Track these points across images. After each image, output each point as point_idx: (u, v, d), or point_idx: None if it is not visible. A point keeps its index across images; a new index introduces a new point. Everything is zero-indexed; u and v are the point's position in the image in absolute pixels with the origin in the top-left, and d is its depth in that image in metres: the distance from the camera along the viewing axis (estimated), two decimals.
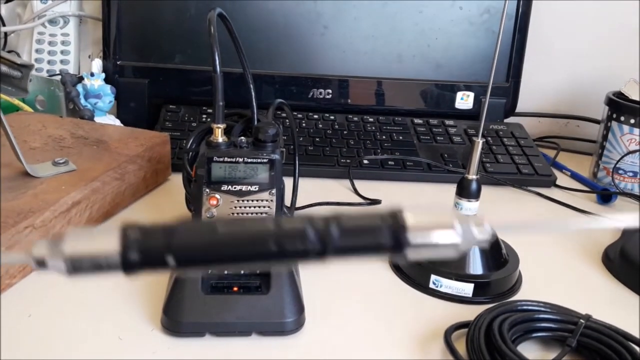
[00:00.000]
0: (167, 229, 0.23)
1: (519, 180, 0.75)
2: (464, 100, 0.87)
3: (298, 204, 0.62)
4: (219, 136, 0.43)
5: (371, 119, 0.84)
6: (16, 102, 0.74)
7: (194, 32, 0.81)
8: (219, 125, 0.43)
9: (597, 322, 0.42)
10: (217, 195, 0.42)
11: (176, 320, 0.41)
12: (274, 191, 0.43)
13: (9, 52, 0.88)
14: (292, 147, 0.60)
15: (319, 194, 0.67)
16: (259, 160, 0.42)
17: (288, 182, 0.54)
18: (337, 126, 0.81)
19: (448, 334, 0.42)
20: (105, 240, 0.23)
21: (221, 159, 0.42)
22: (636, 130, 0.73)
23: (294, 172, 0.61)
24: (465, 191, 0.50)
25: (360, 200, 0.67)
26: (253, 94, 0.51)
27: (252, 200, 0.43)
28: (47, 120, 0.69)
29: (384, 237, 0.23)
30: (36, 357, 0.39)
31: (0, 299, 0.44)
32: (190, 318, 0.41)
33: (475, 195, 0.50)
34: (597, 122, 0.87)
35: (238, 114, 0.53)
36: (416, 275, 0.50)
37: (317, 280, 0.50)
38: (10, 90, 0.56)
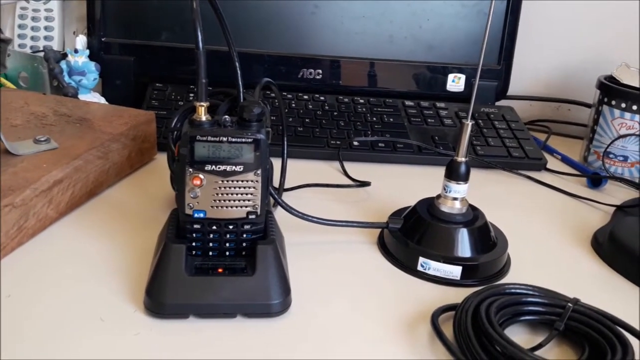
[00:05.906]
0: None
1: (509, 163, 0.74)
2: (456, 83, 0.86)
3: (287, 185, 0.61)
4: (202, 115, 0.42)
5: (362, 100, 0.82)
6: None
7: (181, 9, 0.79)
8: (202, 104, 0.42)
9: (585, 306, 0.42)
10: (201, 175, 0.41)
11: (159, 301, 0.41)
12: (259, 172, 0.42)
13: None
14: (280, 127, 0.59)
15: (308, 175, 0.66)
16: (243, 140, 0.41)
17: (277, 163, 0.53)
18: (327, 107, 0.80)
19: (435, 317, 0.42)
20: None
21: (204, 138, 0.41)
22: (627, 115, 0.73)
23: (283, 153, 0.60)
24: (454, 173, 0.49)
25: (350, 182, 0.66)
26: (239, 71, 0.50)
27: (237, 181, 0.42)
28: (30, 98, 0.67)
29: None
30: (15, 338, 0.38)
31: None
32: (173, 299, 0.40)
33: (464, 178, 0.49)
34: (588, 106, 0.87)
35: (224, 92, 0.52)
36: (404, 257, 0.50)
37: (304, 261, 0.49)
38: None
